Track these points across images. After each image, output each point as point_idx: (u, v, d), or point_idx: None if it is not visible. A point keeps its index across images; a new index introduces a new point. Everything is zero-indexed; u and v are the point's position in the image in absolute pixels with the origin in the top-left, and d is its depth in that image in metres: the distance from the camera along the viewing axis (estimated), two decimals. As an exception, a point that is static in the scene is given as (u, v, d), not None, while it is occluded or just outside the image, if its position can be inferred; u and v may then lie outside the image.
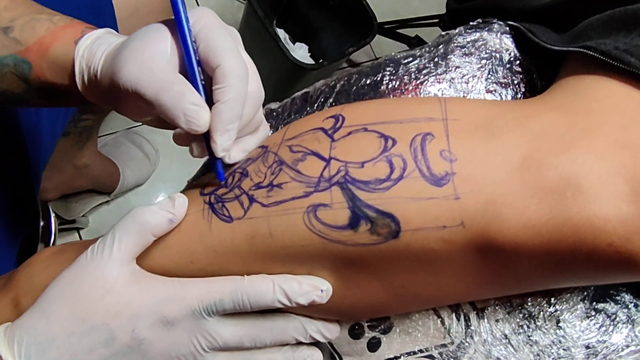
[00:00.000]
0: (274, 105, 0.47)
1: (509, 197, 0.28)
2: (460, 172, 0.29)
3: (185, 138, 0.35)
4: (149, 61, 0.32)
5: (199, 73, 0.33)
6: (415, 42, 1.26)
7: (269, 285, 0.32)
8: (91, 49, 0.37)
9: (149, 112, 0.34)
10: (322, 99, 0.43)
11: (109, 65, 0.34)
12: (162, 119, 0.34)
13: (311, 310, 0.35)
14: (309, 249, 0.32)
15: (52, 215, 0.93)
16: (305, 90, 0.46)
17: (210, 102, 0.33)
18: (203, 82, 0.34)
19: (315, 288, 0.32)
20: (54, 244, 0.90)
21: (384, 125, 0.32)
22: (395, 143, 0.31)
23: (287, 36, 1.30)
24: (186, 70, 0.33)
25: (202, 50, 0.33)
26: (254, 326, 0.34)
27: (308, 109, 0.44)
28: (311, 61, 1.31)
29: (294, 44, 1.32)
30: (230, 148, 0.34)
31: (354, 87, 0.42)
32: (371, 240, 0.30)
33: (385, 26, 1.31)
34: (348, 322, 0.38)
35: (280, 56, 1.06)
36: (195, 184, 0.38)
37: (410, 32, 1.29)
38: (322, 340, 0.35)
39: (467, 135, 0.31)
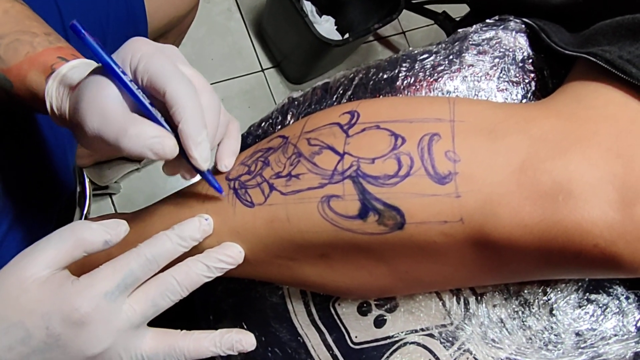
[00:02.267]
0: (296, 94, 0.49)
1: (506, 198, 0.31)
2: (463, 172, 0.32)
3: (172, 168, 0.37)
4: (103, 110, 0.34)
5: (150, 104, 0.35)
6: (442, 18, 1.25)
7: (163, 237, 0.35)
8: (58, 91, 0.39)
9: (118, 151, 0.35)
10: (341, 91, 0.46)
11: (73, 115, 0.36)
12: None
13: (324, 288, 0.39)
14: (322, 235, 0.35)
15: (87, 181, 0.99)
16: (325, 80, 0.49)
17: (172, 125, 0.35)
18: (158, 111, 0.35)
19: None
20: (88, 208, 0.95)
21: (396, 123, 0.35)
22: (404, 142, 0.34)
23: (314, 9, 1.31)
24: (139, 107, 0.35)
25: (147, 82, 0.34)
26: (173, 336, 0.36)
27: (328, 99, 0.46)
28: (337, 35, 1.31)
29: (320, 16, 1.32)
30: (208, 157, 0.36)
31: (372, 81, 0.45)
32: (378, 230, 0.33)
33: (413, 1, 1.30)
34: (357, 299, 0.42)
35: (306, 31, 1.08)
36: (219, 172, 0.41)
37: (438, 8, 1.28)
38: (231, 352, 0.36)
39: (472, 137, 0.33)
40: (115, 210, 1.17)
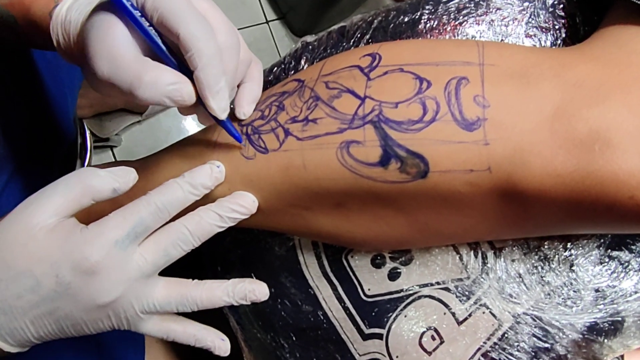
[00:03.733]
0: (309, 39, 0.47)
1: (537, 146, 0.29)
2: (492, 118, 0.30)
3: (188, 111, 0.35)
4: (113, 54, 0.31)
5: (165, 46, 0.32)
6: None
7: (173, 184, 0.33)
8: (64, 25, 0.36)
9: (136, 100, 0.33)
10: (359, 35, 0.43)
11: (84, 55, 0.33)
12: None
13: (338, 239, 0.38)
14: (339, 182, 0.33)
15: (88, 132, 0.97)
16: (341, 24, 0.46)
17: (188, 68, 0.32)
18: (172, 53, 0.33)
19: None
20: (89, 160, 0.94)
21: (420, 67, 0.33)
22: (430, 85, 0.32)
23: (322, -42, 1.26)
24: (152, 48, 0.32)
25: (157, 21, 0.31)
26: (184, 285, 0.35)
27: (345, 44, 0.44)
28: (345, -13, 1.26)
29: (328, -34, 1.27)
30: (227, 107, 0.34)
31: (392, 25, 0.42)
32: (400, 178, 0.32)
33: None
34: (371, 252, 0.41)
35: (315, -19, 1.03)
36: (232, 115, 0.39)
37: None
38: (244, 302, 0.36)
39: (502, 82, 0.31)
40: (116, 163, 1.16)
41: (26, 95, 0.56)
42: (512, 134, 0.30)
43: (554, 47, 0.40)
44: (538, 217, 0.32)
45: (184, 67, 0.32)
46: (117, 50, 0.31)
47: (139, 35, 0.32)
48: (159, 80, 0.31)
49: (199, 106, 0.34)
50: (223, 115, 0.34)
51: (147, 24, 0.31)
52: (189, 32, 0.31)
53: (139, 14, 0.31)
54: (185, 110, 0.35)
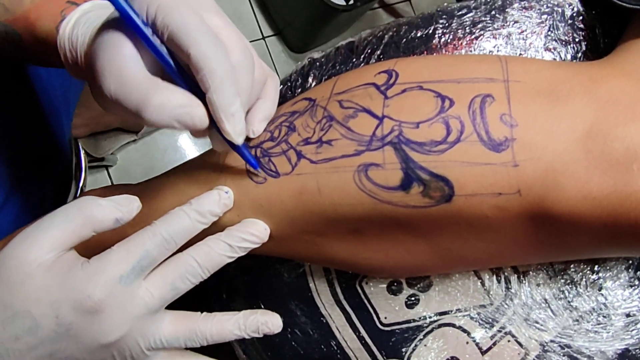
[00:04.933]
0: (316, 55, 0.45)
1: (571, 167, 0.27)
2: (521, 138, 0.28)
3: (200, 132, 0.32)
4: (121, 73, 0.29)
5: (175, 65, 0.30)
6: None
7: (180, 213, 0.32)
8: (71, 39, 0.34)
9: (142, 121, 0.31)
10: (369, 51, 0.42)
11: (91, 72, 0.31)
12: None
13: (354, 267, 0.36)
14: (357, 208, 0.31)
15: (82, 152, 0.94)
16: (349, 40, 0.44)
17: (199, 88, 0.30)
18: (184, 72, 0.31)
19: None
20: (84, 180, 0.91)
21: (441, 84, 0.31)
22: (452, 104, 0.30)
23: (318, -26, 1.25)
24: (163, 67, 0.30)
25: (167, 40, 0.29)
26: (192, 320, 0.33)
27: (354, 60, 0.42)
28: (342, 1, 1.26)
29: (324, -18, 1.26)
30: (243, 131, 0.31)
31: (404, 40, 0.40)
32: (423, 202, 0.30)
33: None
34: (388, 278, 0.39)
35: (312, -5, 1.02)
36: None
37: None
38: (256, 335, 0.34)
39: (530, 100, 0.29)
40: (111, 183, 1.13)
41: (20, 114, 0.54)
42: (543, 154, 0.28)
43: (574, 60, 0.38)
44: (571, 242, 0.30)
45: (197, 89, 0.30)
46: (125, 70, 0.29)
47: (149, 54, 0.30)
48: (168, 103, 0.29)
49: (213, 130, 0.32)
50: (239, 139, 0.31)
51: (159, 41, 0.30)
52: (200, 51, 0.28)
53: (150, 31, 0.29)
54: (198, 133, 0.33)
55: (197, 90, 0.30)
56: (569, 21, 0.39)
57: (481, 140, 0.29)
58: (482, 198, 0.29)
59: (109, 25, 0.30)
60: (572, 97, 0.29)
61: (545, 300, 0.36)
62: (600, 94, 0.29)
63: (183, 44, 0.29)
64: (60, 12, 0.36)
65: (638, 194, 0.26)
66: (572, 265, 0.36)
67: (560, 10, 0.39)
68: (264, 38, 1.29)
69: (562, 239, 0.30)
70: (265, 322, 0.33)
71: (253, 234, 0.34)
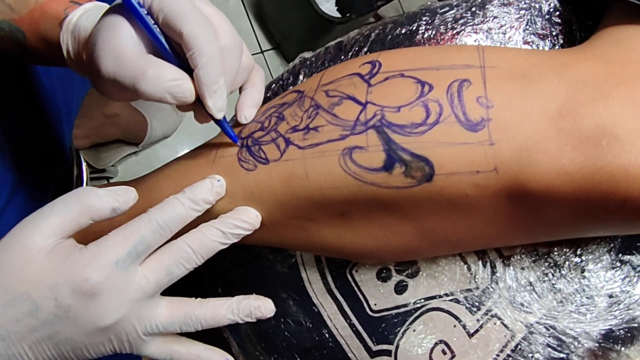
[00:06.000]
0: (307, 55, 0.47)
1: (544, 144, 0.29)
2: (496, 118, 0.30)
3: (185, 106, 0.35)
4: (119, 52, 0.32)
5: (168, 44, 0.33)
6: (446, -2, 1.23)
7: (174, 201, 0.33)
8: (74, 33, 0.37)
9: (135, 96, 0.34)
10: (357, 48, 0.43)
11: (89, 59, 0.34)
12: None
13: (342, 252, 0.37)
14: (343, 190, 0.33)
15: (84, 163, 0.96)
16: (338, 39, 0.46)
17: (189, 67, 0.33)
18: (175, 52, 0.33)
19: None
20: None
21: (421, 71, 0.33)
22: (432, 88, 0.32)
23: (314, -11, 1.28)
24: (156, 47, 0.33)
25: (162, 22, 0.32)
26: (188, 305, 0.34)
27: (342, 57, 0.44)
28: (338, 15, 1.29)
29: (321, -3, 1.29)
30: (224, 107, 0.34)
31: (389, 36, 0.42)
32: (405, 183, 0.31)
33: (416, -20, 1.27)
34: (376, 265, 0.40)
35: (308, 8, 1.05)
36: (233, 126, 0.39)
37: (440, -13, 1.25)
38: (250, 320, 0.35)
39: (505, 83, 0.31)
40: (112, 194, 1.14)
41: (22, 116, 0.56)
42: (517, 133, 0.29)
43: (552, 53, 0.40)
44: (547, 219, 0.31)
45: (186, 67, 0.33)
46: (122, 48, 0.32)
47: (144, 35, 0.33)
48: (162, 76, 0.32)
49: (197, 105, 0.34)
50: (219, 114, 0.34)
51: (152, 22, 0.32)
52: (191, 30, 0.31)
53: (146, 12, 0.32)
54: (184, 107, 0.35)
55: (187, 68, 0.33)
56: (546, 16, 0.40)
57: (459, 121, 0.30)
58: (461, 176, 0.30)
59: (110, 11, 0.33)
60: (544, 79, 0.30)
61: (530, 283, 0.37)
62: (571, 75, 0.30)
63: (176, 24, 0.31)
64: (64, 10, 0.38)
65: (607, 168, 0.28)
66: (555, 249, 0.37)
67: (537, 6, 0.40)
68: (262, 52, 1.31)
69: (539, 216, 0.31)
70: (257, 306, 0.34)
71: (245, 220, 0.35)
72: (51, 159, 0.65)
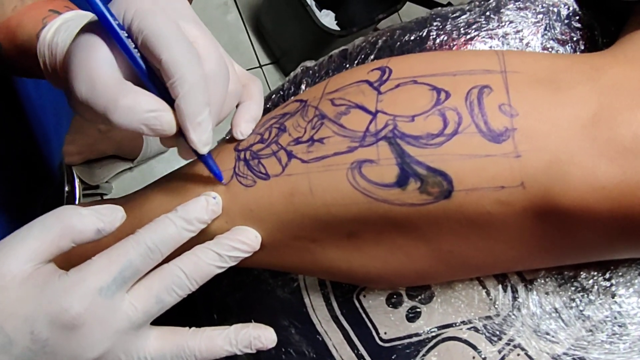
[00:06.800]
0: (309, 63, 0.44)
1: (577, 156, 0.26)
2: (522, 127, 0.27)
3: (169, 142, 0.32)
4: (92, 76, 0.29)
5: (147, 70, 0.30)
6: (447, 12, 1.21)
7: (165, 220, 0.30)
8: (51, 47, 0.34)
9: (114, 127, 0.31)
10: (363, 56, 0.41)
11: (65, 76, 0.31)
12: None
13: (350, 276, 0.33)
14: (352, 208, 0.29)
15: (77, 180, 0.93)
16: (343, 47, 0.44)
17: (169, 95, 0.30)
18: (155, 79, 0.30)
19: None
20: (77, 208, 0.90)
21: (436, 77, 0.30)
22: (448, 96, 0.29)
23: (313, 3, 1.27)
24: (136, 72, 0.30)
25: (141, 45, 0.29)
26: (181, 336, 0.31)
27: (347, 65, 0.41)
28: (337, 27, 1.27)
29: (320, 11, 1.28)
30: (209, 140, 0.30)
31: (398, 43, 0.40)
32: (420, 200, 0.28)
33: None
34: (387, 289, 0.37)
35: (308, 22, 1.03)
36: (229, 140, 0.36)
37: None
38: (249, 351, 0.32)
39: (529, 89, 0.28)
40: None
41: (5, 128, 0.53)
42: (546, 143, 0.26)
43: (573, 59, 0.37)
44: (578, 239, 0.28)
45: (168, 96, 0.30)
46: (96, 72, 0.29)
47: (123, 58, 0.30)
48: (137, 106, 0.28)
49: (180, 138, 0.31)
50: (204, 149, 0.30)
51: (133, 45, 0.29)
52: (171, 56, 0.28)
53: (125, 34, 0.29)
54: (166, 141, 0.32)
55: (168, 97, 0.30)
56: (565, 20, 0.38)
57: (480, 132, 0.27)
58: (484, 192, 0.27)
59: (86, 29, 0.30)
60: (574, 84, 0.28)
61: (556, 309, 0.34)
62: (604, 81, 0.27)
63: (156, 49, 0.28)
64: (42, 19, 0.35)
65: (649, 182, 0.25)
66: (582, 272, 0.34)
67: (555, 10, 0.38)
68: (261, 67, 1.29)
69: (569, 236, 0.28)
70: (257, 336, 0.31)
71: (244, 242, 0.32)
72: (38, 176, 0.62)
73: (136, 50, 0.29)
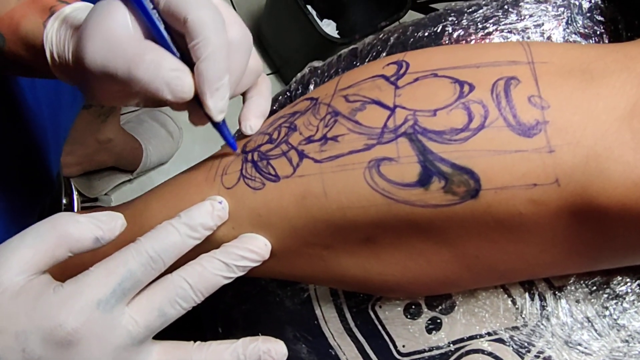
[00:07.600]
0: (317, 64, 0.43)
1: (617, 150, 0.24)
2: (554, 120, 0.25)
3: (180, 104, 0.31)
4: (111, 36, 0.28)
5: (167, 33, 0.29)
6: (450, 20, 1.20)
7: (168, 227, 0.28)
8: (59, 33, 0.33)
9: (127, 93, 0.30)
10: (374, 53, 0.39)
11: (75, 51, 0.30)
12: (143, 97, 0.30)
13: (366, 285, 0.31)
14: (369, 210, 0.27)
15: (75, 192, 0.91)
16: (352, 46, 0.42)
17: (189, 62, 0.29)
18: (175, 43, 0.30)
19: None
20: (76, 221, 0.87)
21: (458, 70, 0.28)
22: (472, 88, 0.27)
23: (314, 13, 1.26)
24: (154, 34, 0.29)
25: (165, 6, 0.28)
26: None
27: (357, 64, 0.39)
28: (337, 35, 1.26)
29: (321, 20, 1.27)
30: (225, 108, 0.30)
31: (411, 39, 0.38)
32: (445, 200, 0.26)
33: (419, 0, 1.25)
34: (405, 299, 0.34)
35: (310, 31, 1.02)
36: (236, 140, 0.34)
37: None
38: None
39: (560, 79, 0.26)
40: (105, 225, 1.09)
41: (1, 141, 0.51)
42: (581, 137, 0.24)
43: (597, 53, 0.35)
44: (617, 240, 0.26)
45: (186, 62, 0.29)
46: (114, 31, 0.28)
47: (142, 22, 0.29)
48: (162, 63, 0.28)
49: (194, 104, 0.30)
50: (219, 116, 0.30)
51: (152, 6, 0.28)
52: (198, 17, 0.27)
53: None
54: (177, 106, 0.31)
55: (187, 63, 0.29)
56: (587, 14, 0.36)
57: (509, 125, 0.25)
58: (514, 191, 0.25)
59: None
60: (609, 74, 0.26)
61: (588, 318, 0.32)
62: (641, 70, 0.25)
63: (181, 9, 0.27)
64: (49, 8, 0.34)
65: (699, 177, 0.23)
66: (614, 277, 0.32)
67: (577, 3, 0.36)
68: (262, 77, 1.28)
69: (607, 238, 0.26)
70: (267, 350, 0.29)
71: (252, 250, 0.30)
72: (35, 186, 0.60)
73: (155, 11, 0.28)
